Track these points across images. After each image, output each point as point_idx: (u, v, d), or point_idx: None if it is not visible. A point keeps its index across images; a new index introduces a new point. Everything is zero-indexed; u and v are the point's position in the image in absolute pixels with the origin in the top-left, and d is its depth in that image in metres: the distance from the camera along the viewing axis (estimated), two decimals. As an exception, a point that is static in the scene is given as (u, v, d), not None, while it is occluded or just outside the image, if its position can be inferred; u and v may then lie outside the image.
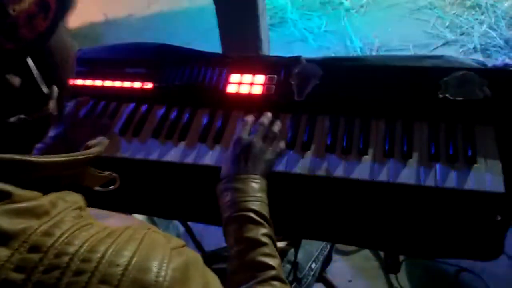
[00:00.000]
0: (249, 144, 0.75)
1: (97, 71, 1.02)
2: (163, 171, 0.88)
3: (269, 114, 0.83)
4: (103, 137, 0.54)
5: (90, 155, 0.47)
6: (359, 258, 1.54)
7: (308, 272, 0.93)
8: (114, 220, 0.45)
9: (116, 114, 0.96)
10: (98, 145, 0.51)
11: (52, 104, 0.49)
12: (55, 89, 0.50)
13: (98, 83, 1.00)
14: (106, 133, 0.92)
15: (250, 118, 0.81)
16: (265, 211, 0.67)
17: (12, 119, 0.45)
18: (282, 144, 0.80)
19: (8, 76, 0.43)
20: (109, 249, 0.37)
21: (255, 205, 0.66)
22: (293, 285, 0.89)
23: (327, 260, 1.04)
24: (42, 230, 0.36)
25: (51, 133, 0.86)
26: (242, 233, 0.64)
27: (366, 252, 1.55)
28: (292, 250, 0.92)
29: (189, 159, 0.86)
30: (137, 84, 0.98)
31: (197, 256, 0.44)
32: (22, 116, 0.46)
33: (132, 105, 0.97)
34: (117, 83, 0.99)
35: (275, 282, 0.59)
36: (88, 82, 1.01)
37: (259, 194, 0.69)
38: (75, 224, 0.39)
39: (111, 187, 0.61)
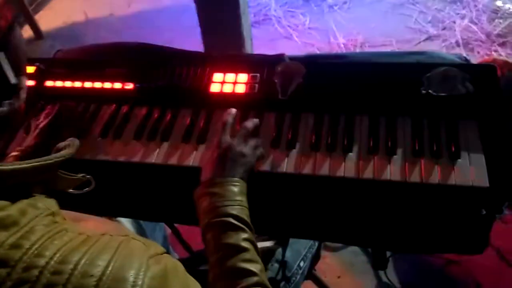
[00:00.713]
0: (228, 147, 0.73)
1: (77, 72, 0.99)
2: (147, 173, 0.86)
3: (256, 120, 0.81)
4: (74, 138, 0.53)
5: (60, 159, 0.46)
6: (348, 254, 1.55)
7: (297, 270, 0.93)
8: (91, 223, 0.44)
9: (97, 116, 0.94)
10: (68, 147, 0.50)
11: (23, 94, 0.49)
12: (24, 79, 0.49)
13: (77, 84, 0.98)
14: (85, 136, 0.90)
15: (230, 118, 0.79)
16: (245, 215, 0.65)
17: None
18: (262, 150, 0.79)
19: None
20: (82, 259, 0.35)
21: (234, 210, 0.64)
22: (282, 283, 0.89)
23: (316, 258, 1.04)
24: (10, 243, 0.35)
25: (30, 139, 0.84)
26: (222, 240, 0.61)
27: (355, 248, 1.56)
28: (280, 249, 0.91)
29: (173, 160, 0.84)
30: (117, 85, 0.96)
31: (176, 264, 0.43)
32: (0, 108, 0.45)
33: (113, 107, 0.95)
34: (97, 84, 0.97)
35: None
36: (68, 84, 0.98)
37: (238, 198, 0.66)
38: (46, 232, 0.37)
39: (86, 189, 0.59)
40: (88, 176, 0.58)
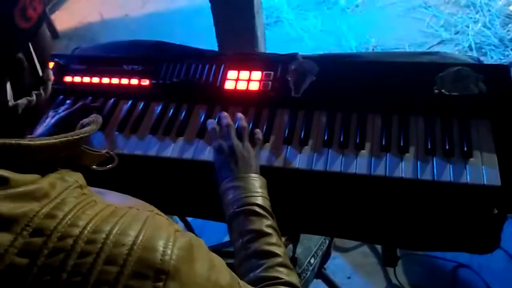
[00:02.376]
0: (233, 149, 0.75)
1: (95, 69, 1.02)
2: (162, 167, 0.88)
3: (225, 113, 0.83)
4: (97, 114, 0.54)
5: (85, 134, 0.47)
6: (358, 254, 1.55)
7: (307, 267, 0.93)
8: (116, 198, 0.45)
9: (114, 111, 0.96)
10: (92, 123, 0.51)
11: (50, 87, 0.50)
12: (50, 72, 0.50)
13: (95, 80, 1.00)
14: (102, 130, 0.92)
15: (214, 124, 0.81)
16: (267, 205, 0.68)
17: (20, 101, 0.45)
18: (259, 134, 0.81)
19: (20, 56, 0.44)
20: (113, 228, 0.37)
21: (258, 200, 0.67)
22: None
23: (326, 256, 1.05)
24: (44, 213, 0.36)
25: (40, 130, 0.86)
26: (246, 226, 0.64)
27: (365, 249, 1.56)
28: (291, 246, 0.92)
29: (188, 155, 0.86)
30: (134, 81, 0.98)
31: (200, 239, 0.44)
32: (29, 98, 0.46)
33: (129, 102, 0.97)
34: (115, 80, 0.99)
35: (281, 269, 0.60)
36: (86, 79, 1.00)
37: (260, 190, 0.70)
38: (77, 203, 0.38)
39: (110, 165, 0.60)
40: (111, 152, 0.59)
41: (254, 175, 0.72)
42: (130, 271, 0.35)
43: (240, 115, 0.84)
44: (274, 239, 0.64)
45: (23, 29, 0.43)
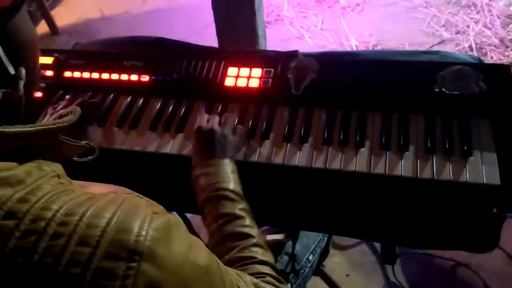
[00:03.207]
0: (210, 131, 0.78)
1: (94, 64, 1.01)
2: (161, 163, 0.88)
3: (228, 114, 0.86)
4: (76, 106, 0.54)
5: (62, 124, 0.46)
6: (356, 252, 1.55)
7: (306, 263, 0.93)
8: (97, 187, 0.45)
9: (114, 107, 0.96)
10: (71, 114, 0.50)
11: (21, 86, 0.49)
12: (23, 70, 0.49)
13: (95, 75, 1.00)
14: (102, 126, 0.92)
15: (202, 109, 0.86)
16: (239, 189, 0.70)
17: None
18: (240, 126, 0.84)
19: None
20: (87, 211, 0.36)
21: (229, 185, 0.69)
22: (291, 276, 0.90)
23: (325, 253, 1.05)
24: (17, 197, 0.36)
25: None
26: (219, 210, 0.66)
27: (363, 247, 1.56)
28: (290, 242, 0.92)
29: (187, 151, 0.86)
30: (134, 77, 0.98)
31: (179, 220, 0.43)
32: None
33: (129, 98, 0.97)
34: (114, 76, 0.99)
35: (255, 249, 0.61)
36: (86, 75, 1.00)
37: (231, 175, 0.71)
38: (52, 189, 0.38)
39: (90, 157, 0.60)
40: (91, 144, 0.58)
41: (225, 160, 0.74)
42: (103, 251, 0.34)
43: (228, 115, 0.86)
44: (247, 221, 0.65)
45: None
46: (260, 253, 0.60)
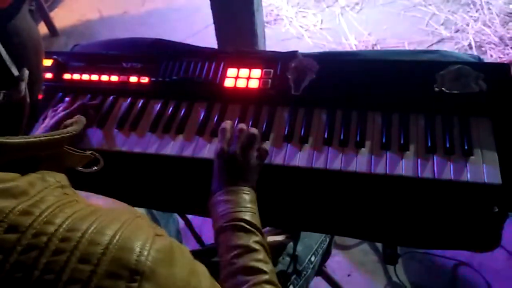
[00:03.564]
0: (233, 157, 0.73)
1: (94, 66, 1.01)
2: (161, 165, 0.88)
3: (243, 124, 0.79)
4: (80, 115, 0.53)
5: (67, 134, 0.46)
6: (358, 252, 1.55)
7: (308, 264, 0.93)
8: (100, 201, 0.44)
9: (113, 108, 0.96)
10: (75, 124, 0.50)
11: (23, 87, 0.48)
12: (26, 71, 0.48)
13: (94, 77, 1.00)
14: (102, 127, 0.92)
15: (228, 125, 0.78)
16: (256, 221, 0.67)
17: None
18: (265, 146, 0.80)
19: None
20: (90, 227, 0.36)
21: (246, 215, 0.66)
22: (293, 277, 0.90)
23: (327, 254, 1.05)
24: (20, 209, 0.35)
25: (39, 131, 0.86)
26: (233, 241, 0.63)
27: (365, 247, 1.56)
28: (292, 243, 0.92)
29: (187, 152, 0.85)
30: (133, 79, 0.98)
31: (183, 246, 0.43)
32: None
33: (129, 100, 0.97)
34: (114, 78, 0.99)
35: (267, 286, 0.58)
36: (85, 77, 1.00)
37: (249, 205, 0.68)
38: (56, 201, 0.38)
39: (95, 167, 0.59)
40: (96, 154, 0.58)
41: (246, 188, 0.70)
42: (104, 270, 0.34)
43: (254, 129, 0.78)
44: (261, 255, 0.62)
45: None
46: None
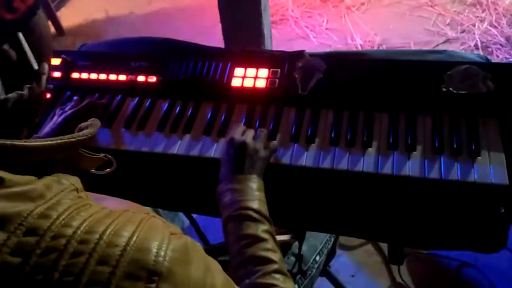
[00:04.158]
0: (243, 144, 0.75)
1: (102, 65, 1.02)
2: (169, 164, 0.88)
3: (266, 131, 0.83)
4: (95, 118, 0.54)
5: (82, 137, 0.46)
6: (362, 253, 1.55)
7: (313, 264, 0.93)
8: (113, 202, 0.45)
9: (121, 108, 0.96)
10: (90, 127, 0.50)
11: (44, 81, 0.49)
12: (46, 65, 0.49)
13: (102, 76, 1.00)
14: (110, 126, 0.93)
15: (240, 124, 0.82)
16: (264, 209, 0.68)
17: (10, 95, 0.44)
18: (274, 142, 0.82)
19: (6, 48, 0.43)
20: (107, 229, 0.37)
21: (254, 204, 0.67)
22: (298, 276, 0.90)
23: (331, 253, 1.05)
24: (38, 212, 0.36)
25: (47, 129, 0.86)
26: (242, 230, 0.64)
27: (369, 247, 1.56)
28: (297, 243, 0.92)
29: (195, 152, 0.86)
30: (141, 78, 0.98)
31: (197, 243, 0.44)
32: (20, 92, 0.45)
33: (136, 99, 0.97)
34: (122, 77, 0.99)
35: (277, 275, 0.59)
36: (93, 76, 1.01)
37: (257, 193, 0.69)
38: (72, 205, 0.38)
39: (108, 169, 0.60)
40: (109, 156, 0.58)
41: (253, 176, 0.71)
42: (122, 271, 0.34)
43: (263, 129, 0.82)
44: (270, 244, 0.63)
45: (8, 21, 0.42)
46: (281, 280, 0.59)
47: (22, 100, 0.46)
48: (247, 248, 0.62)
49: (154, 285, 0.35)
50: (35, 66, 0.48)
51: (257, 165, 0.74)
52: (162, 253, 0.37)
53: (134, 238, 0.37)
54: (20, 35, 0.45)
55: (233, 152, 0.75)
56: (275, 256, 0.62)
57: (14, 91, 0.45)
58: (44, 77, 0.49)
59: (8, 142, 0.38)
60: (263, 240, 0.63)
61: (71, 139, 0.45)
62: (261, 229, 0.64)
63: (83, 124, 0.52)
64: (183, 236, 0.42)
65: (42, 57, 0.49)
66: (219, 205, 0.71)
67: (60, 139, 0.43)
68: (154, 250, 0.37)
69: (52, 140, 0.42)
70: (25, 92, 0.46)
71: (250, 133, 0.78)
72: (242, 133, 0.79)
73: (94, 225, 0.37)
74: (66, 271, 0.34)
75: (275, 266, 0.60)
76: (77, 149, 0.49)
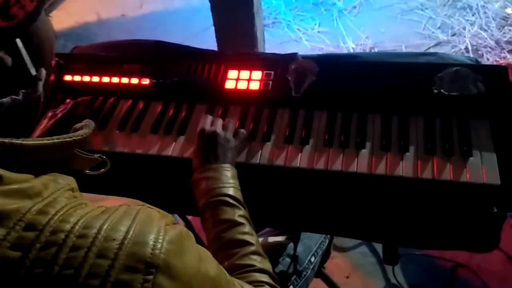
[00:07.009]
0: (213, 134, 0.78)
1: (95, 68, 1.02)
2: (163, 165, 0.88)
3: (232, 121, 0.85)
4: (89, 119, 0.54)
5: (78, 137, 0.47)
6: (357, 254, 1.56)
7: (308, 265, 0.94)
8: (109, 201, 0.45)
9: (115, 110, 0.96)
10: (85, 128, 0.51)
11: (41, 86, 0.49)
12: (43, 71, 0.50)
13: (95, 79, 1.00)
14: (103, 128, 0.92)
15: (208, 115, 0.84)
16: (239, 195, 0.70)
17: (4, 100, 0.44)
18: (242, 130, 0.84)
19: (1, 54, 0.44)
20: (104, 224, 0.38)
21: (230, 190, 0.69)
22: (293, 277, 0.90)
23: (326, 255, 1.05)
24: (36, 209, 0.37)
25: (38, 132, 0.86)
26: (219, 216, 0.67)
27: (363, 249, 1.57)
28: (292, 244, 0.93)
29: (188, 154, 0.86)
30: (134, 80, 0.98)
31: (188, 231, 0.45)
32: (14, 96, 0.45)
33: (130, 101, 0.97)
34: (115, 80, 0.99)
35: (254, 256, 0.62)
36: (86, 78, 1.00)
37: (231, 181, 0.72)
38: (68, 203, 0.39)
39: (102, 170, 0.60)
40: (104, 157, 0.60)
41: (226, 165, 0.74)
42: (121, 264, 0.35)
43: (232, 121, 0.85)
44: (246, 228, 0.66)
45: (2, 28, 0.42)
46: (258, 261, 0.62)
47: (17, 105, 0.46)
48: (224, 233, 0.65)
49: (151, 276, 0.36)
50: (33, 72, 0.48)
51: (229, 154, 0.77)
52: (159, 246, 0.38)
53: (131, 232, 0.38)
54: (18, 41, 0.45)
55: (205, 142, 0.77)
56: (252, 239, 0.64)
57: (9, 96, 0.45)
58: (41, 83, 0.49)
59: (7, 140, 0.39)
60: (240, 224, 0.66)
61: (67, 139, 0.46)
62: (238, 214, 0.67)
63: (78, 125, 0.52)
64: (177, 226, 0.43)
65: (43, 62, 0.50)
66: (195, 193, 0.73)
67: (57, 139, 0.44)
68: (151, 243, 0.38)
69: (50, 140, 0.43)
70: (20, 97, 0.46)
71: (219, 123, 0.81)
72: (211, 123, 0.81)
73: (91, 220, 0.38)
74: (66, 264, 0.34)
75: (252, 248, 0.63)
76: (73, 149, 0.50)
